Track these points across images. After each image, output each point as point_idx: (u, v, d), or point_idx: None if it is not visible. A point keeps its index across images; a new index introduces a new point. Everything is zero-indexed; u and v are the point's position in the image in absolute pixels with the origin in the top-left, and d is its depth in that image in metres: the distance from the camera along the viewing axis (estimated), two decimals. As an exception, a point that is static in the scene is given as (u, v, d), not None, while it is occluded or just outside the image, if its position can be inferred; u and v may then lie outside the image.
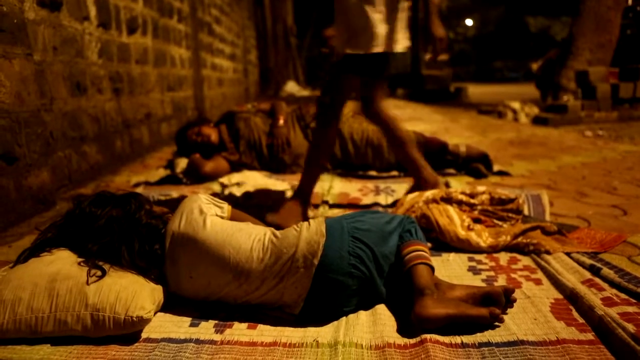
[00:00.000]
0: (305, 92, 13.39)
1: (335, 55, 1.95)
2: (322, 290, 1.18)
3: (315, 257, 1.18)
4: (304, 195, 2.06)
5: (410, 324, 1.15)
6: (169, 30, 4.94)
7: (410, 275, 1.21)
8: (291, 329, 1.16)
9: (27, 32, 2.22)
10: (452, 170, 3.06)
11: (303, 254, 1.18)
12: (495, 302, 1.20)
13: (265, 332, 1.15)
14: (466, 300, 1.22)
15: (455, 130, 5.57)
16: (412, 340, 1.10)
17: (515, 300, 1.23)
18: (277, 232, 1.27)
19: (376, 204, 2.34)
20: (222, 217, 1.32)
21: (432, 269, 1.25)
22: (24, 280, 1.14)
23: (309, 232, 1.22)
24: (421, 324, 1.11)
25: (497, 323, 1.15)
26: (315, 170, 2.08)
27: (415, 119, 7.06)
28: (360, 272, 1.19)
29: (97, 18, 3.14)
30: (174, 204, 1.40)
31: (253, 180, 2.83)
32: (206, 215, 1.27)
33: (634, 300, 1.23)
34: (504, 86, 18.76)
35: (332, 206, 2.32)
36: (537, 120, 6.34)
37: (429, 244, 1.55)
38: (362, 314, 1.21)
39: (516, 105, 6.99)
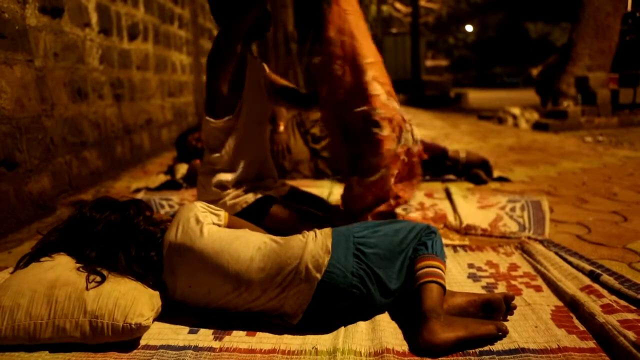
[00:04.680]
0: (305, 98, 13.40)
1: None
2: (322, 303, 1.17)
3: (319, 272, 1.16)
4: None
5: (411, 332, 1.14)
6: (170, 37, 4.96)
7: (418, 294, 1.18)
8: (290, 336, 1.16)
9: (29, 39, 2.23)
10: (452, 176, 3.06)
11: (307, 266, 1.17)
12: (495, 310, 1.20)
13: (264, 340, 1.14)
14: (467, 307, 1.21)
15: (456, 136, 5.57)
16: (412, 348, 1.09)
17: (515, 307, 1.22)
18: (279, 239, 1.25)
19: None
20: (219, 225, 1.31)
21: (443, 287, 1.19)
22: (23, 286, 1.14)
23: (315, 245, 1.20)
24: (431, 349, 1.07)
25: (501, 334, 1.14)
26: None
27: (415, 125, 7.07)
28: (361, 292, 1.18)
29: (99, 24, 3.16)
30: None
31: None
32: (203, 224, 1.25)
33: (634, 307, 1.23)
34: (504, 92, 18.83)
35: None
36: (537, 126, 6.35)
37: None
38: (361, 323, 1.20)
39: (516, 111, 7.01)
